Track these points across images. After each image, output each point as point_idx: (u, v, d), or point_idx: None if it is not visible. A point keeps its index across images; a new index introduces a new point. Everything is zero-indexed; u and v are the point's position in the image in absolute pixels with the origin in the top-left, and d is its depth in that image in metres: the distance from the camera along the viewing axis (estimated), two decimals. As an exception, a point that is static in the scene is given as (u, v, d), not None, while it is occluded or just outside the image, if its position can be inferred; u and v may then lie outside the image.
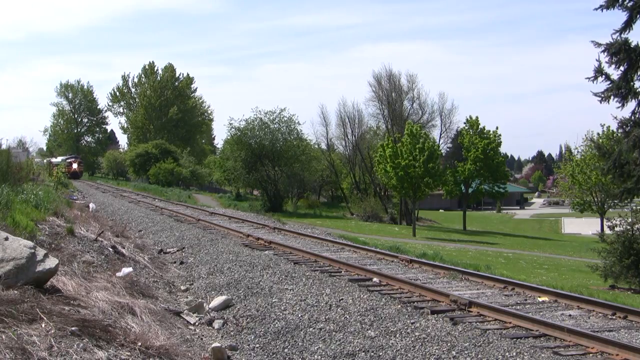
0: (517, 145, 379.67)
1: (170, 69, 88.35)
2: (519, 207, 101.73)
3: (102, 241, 14.58)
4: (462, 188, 49.41)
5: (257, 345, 9.10)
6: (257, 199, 55.83)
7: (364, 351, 8.17)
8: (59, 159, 74.92)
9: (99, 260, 12.29)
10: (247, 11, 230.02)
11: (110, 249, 14.01)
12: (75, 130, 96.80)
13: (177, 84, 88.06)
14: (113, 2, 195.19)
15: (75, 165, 73.35)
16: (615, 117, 18.56)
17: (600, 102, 18.21)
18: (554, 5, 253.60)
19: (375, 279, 11.98)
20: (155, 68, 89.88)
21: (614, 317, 9.31)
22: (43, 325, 6.51)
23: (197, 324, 10.03)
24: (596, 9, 18.52)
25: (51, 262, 8.47)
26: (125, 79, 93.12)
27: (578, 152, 46.94)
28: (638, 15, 18.00)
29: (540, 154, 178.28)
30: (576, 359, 7.33)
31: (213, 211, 30.80)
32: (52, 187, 28.33)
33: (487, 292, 11.22)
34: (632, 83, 17.98)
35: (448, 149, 62.35)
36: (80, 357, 6.06)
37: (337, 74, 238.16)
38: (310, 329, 9.21)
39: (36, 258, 8.29)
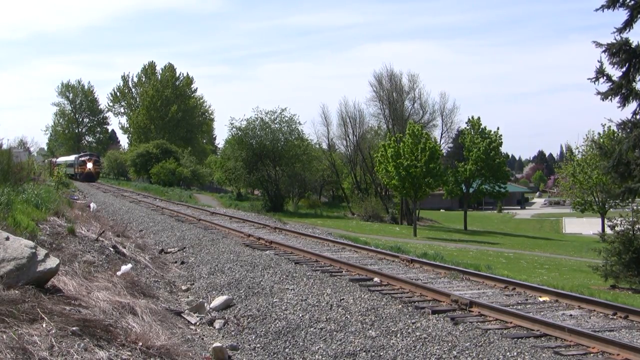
0: (518, 145, 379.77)
1: (170, 69, 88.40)
2: (519, 207, 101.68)
3: (103, 241, 14.59)
4: (463, 188, 49.42)
5: (258, 345, 9.10)
6: (258, 198, 55.85)
7: (364, 351, 8.17)
8: (72, 157, 69.59)
9: (99, 260, 12.30)
10: (248, 11, 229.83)
11: (111, 249, 14.02)
12: (77, 130, 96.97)
13: (177, 83, 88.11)
14: (114, 1, 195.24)
15: (90, 165, 63.80)
16: (611, 120, 18.56)
17: (603, 100, 18.16)
18: (556, 5, 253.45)
19: (376, 279, 11.98)
20: (155, 68, 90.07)
21: (614, 317, 9.30)
22: (44, 325, 6.51)
23: (198, 323, 10.04)
24: (597, 10, 18.45)
25: (52, 262, 8.47)
26: (125, 79, 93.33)
27: (579, 152, 46.91)
28: (639, 14, 17.94)
29: (541, 153, 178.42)
30: (577, 359, 7.33)
31: (214, 211, 30.81)
32: (53, 187, 28.33)
33: (488, 292, 11.21)
34: (633, 83, 17.94)
35: (449, 149, 62.39)
36: (81, 357, 6.06)
37: (338, 73, 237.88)
38: (311, 328, 9.21)
39: (37, 258, 8.30)
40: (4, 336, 5.94)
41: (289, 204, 51.98)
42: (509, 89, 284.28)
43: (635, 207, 22.51)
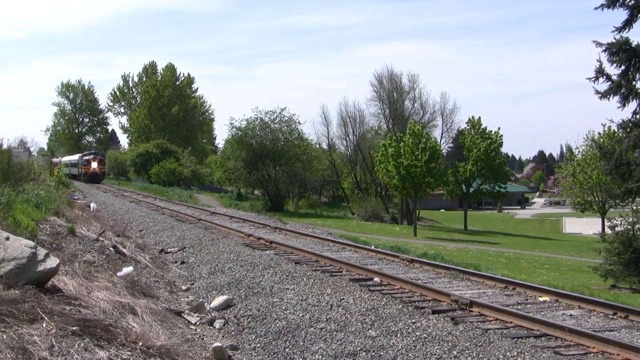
0: (518, 145, 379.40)
1: (171, 68, 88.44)
2: (520, 207, 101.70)
3: (103, 241, 14.59)
4: (463, 188, 49.40)
5: (258, 345, 9.10)
6: (258, 198, 55.85)
7: (365, 351, 8.16)
8: (75, 156, 66.99)
9: (100, 260, 12.30)
10: (249, 10, 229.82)
11: (111, 249, 14.02)
12: (77, 130, 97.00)
13: (177, 83, 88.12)
14: (114, 1, 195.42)
15: (94, 165, 59.84)
16: (612, 120, 18.54)
17: (601, 99, 18.13)
18: (556, 5, 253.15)
19: (376, 279, 11.98)
20: (156, 68, 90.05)
21: (614, 316, 9.31)
22: (44, 325, 6.51)
23: (198, 323, 10.03)
24: (597, 8, 18.44)
25: (52, 261, 8.47)
26: (125, 79, 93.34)
27: (579, 151, 46.89)
28: (639, 14, 17.93)
29: (541, 153, 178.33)
30: (577, 359, 7.32)
31: (214, 211, 30.82)
32: (53, 187, 28.33)
33: (488, 291, 11.21)
34: (633, 83, 17.93)
35: (449, 149, 62.46)
36: (82, 356, 6.06)
37: (338, 73, 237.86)
38: (311, 328, 9.21)
39: (37, 258, 8.30)
40: (4, 336, 5.94)
41: (289, 203, 51.97)
42: (509, 89, 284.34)
43: (635, 207, 22.50)
